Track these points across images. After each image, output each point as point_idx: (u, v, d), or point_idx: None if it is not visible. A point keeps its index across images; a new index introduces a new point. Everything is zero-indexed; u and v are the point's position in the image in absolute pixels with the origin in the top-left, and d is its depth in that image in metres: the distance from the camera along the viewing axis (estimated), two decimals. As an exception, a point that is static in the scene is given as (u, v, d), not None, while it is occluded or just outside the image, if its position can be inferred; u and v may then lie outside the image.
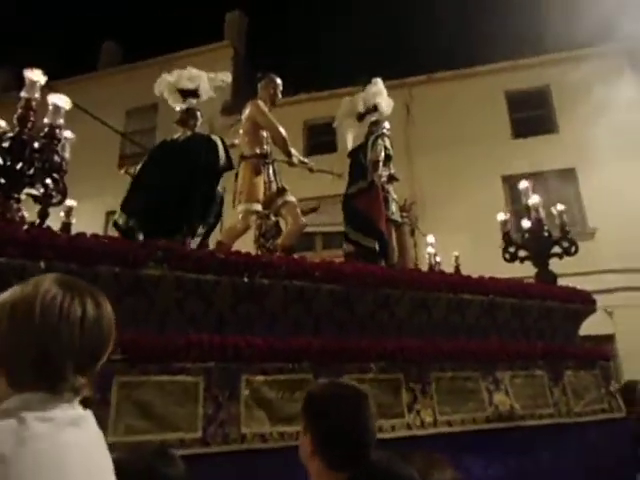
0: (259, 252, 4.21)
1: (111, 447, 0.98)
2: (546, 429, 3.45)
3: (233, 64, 12.96)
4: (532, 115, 11.73)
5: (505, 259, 4.58)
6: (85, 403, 0.95)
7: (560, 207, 4.66)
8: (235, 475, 2.51)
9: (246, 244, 4.09)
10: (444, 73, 12.28)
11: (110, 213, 11.91)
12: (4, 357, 0.90)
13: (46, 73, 2.96)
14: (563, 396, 3.67)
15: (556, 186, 9.70)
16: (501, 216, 4.74)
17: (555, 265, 4.55)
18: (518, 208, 5.77)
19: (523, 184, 4.72)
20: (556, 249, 4.51)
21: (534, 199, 4.53)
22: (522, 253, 4.55)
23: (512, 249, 4.54)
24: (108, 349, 0.97)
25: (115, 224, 3.53)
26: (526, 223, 4.53)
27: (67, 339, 0.89)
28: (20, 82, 3.04)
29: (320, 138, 12.38)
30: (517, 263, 4.68)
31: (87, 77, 14.12)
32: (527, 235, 4.48)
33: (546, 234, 4.41)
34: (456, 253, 6.04)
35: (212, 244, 3.85)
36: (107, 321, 0.96)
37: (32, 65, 2.94)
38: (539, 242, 4.39)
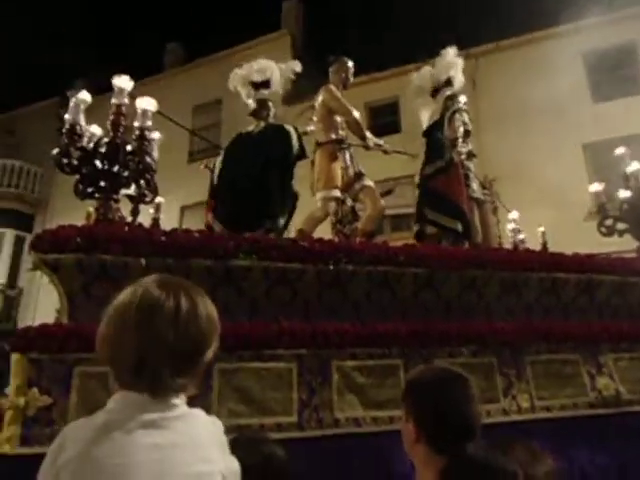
0: (336, 238, 4.20)
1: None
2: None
3: (292, 52, 12.97)
4: (615, 76, 10.78)
5: (601, 233, 4.22)
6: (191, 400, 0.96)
7: None
8: (329, 459, 2.54)
9: (323, 230, 4.10)
10: (512, 39, 11.56)
11: (184, 208, 12.43)
12: (110, 359, 0.95)
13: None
14: (673, 379, 3.37)
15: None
16: (594, 187, 4.35)
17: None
18: (605, 177, 5.28)
19: (619, 150, 4.32)
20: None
21: (634, 166, 4.13)
22: (620, 226, 4.17)
23: (609, 222, 4.17)
24: (209, 347, 0.96)
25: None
26: (624, 193, 4.15)
27: (161, 342, 0.90)
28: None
29: (382, 119, 12.15)
30: (600, 238, 4.30)
31: (154, 79, 14.64)
32: (626, 206, 4.10)
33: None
34: (542, 229, 5.69)
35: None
36: (205, 319, 0.95)
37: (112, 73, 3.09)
38: (640, 213, 3.99)
